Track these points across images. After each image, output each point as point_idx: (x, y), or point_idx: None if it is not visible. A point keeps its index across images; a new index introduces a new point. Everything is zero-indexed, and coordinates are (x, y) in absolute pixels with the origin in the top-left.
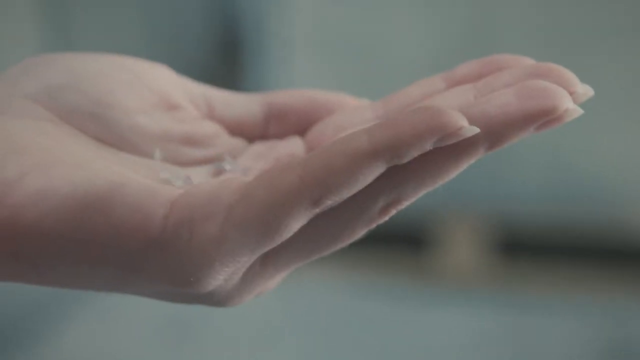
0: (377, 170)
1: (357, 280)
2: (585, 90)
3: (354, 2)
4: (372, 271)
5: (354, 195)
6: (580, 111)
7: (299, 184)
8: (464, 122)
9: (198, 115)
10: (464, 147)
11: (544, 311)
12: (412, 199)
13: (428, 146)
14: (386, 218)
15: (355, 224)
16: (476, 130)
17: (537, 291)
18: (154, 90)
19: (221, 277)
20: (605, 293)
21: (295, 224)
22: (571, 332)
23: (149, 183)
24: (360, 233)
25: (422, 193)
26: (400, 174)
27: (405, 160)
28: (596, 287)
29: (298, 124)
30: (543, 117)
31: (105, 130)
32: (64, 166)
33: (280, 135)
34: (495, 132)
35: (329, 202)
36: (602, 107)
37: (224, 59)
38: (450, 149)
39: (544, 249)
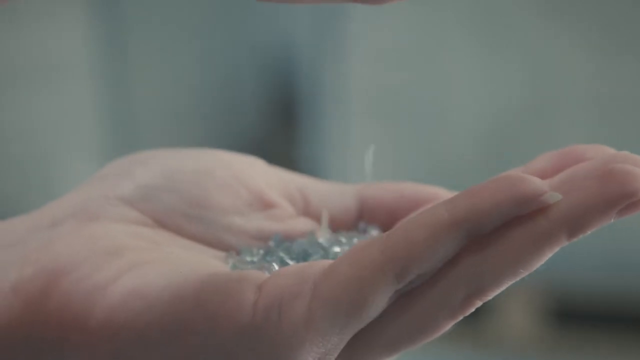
0: (457, 241)
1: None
2: None
3: (411, 60)
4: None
5: (436, 283)
6: None
7: (381, 257)
8: (544, 188)
9: (294, 212)
10: (543, 234)
11: None
12: (493, 291)
13: (509, 215)
14: (470, 310)
15: (438, 315)
16: (558, 197)
17: None
18: (250, 189)
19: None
20: None
21: (381, 299)
22: None
23: (237, 271)
24: (445, 326)
25: (503, 284)
26: (479, 262)
27: (487, 229)
28: None
29: (388, 218)
30: (625, 200)
31: (201, 231)
32: (157, 264)
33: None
34: (575, 217)
35: (412, 276)
36: None
37: (280, 119)
38: (530, 236)
39: (599, 318)
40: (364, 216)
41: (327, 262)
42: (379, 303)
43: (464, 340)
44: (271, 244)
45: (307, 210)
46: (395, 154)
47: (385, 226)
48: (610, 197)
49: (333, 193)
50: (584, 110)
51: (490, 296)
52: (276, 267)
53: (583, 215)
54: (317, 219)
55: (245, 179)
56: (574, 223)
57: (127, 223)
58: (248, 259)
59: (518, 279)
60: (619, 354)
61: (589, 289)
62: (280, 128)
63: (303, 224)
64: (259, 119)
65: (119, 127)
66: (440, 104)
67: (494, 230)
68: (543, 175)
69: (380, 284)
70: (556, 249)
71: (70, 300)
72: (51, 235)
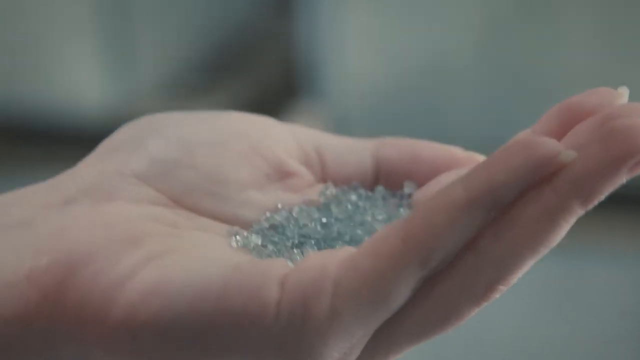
0: (478, 218)
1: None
2: None
3: None
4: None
5: (456, 272)
6: None
7: (403, 247)
8: (558, 147)
9: (311, 178)
10: (557, 207)
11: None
12: (516, 274)
13: (526, 181)
14: (494, 297)
15: (461, 303)
16: (574, 154)
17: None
18: (267, 158)
19: (337, 354)
20: None
21: (405, 289)
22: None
23: (259, 262)
24: (469, 314)
25: (525, 266)
26: (498, 248)
27: (506, 201)
28: None
29: (404, 178)
30: (631, 159)
31: (218, 208)
32: (179, 256)
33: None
34: (585, 186)
35: (436, 262)
36: None
37: (275, 11)
38: (543, 212)
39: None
40: (380, 176)
41: (349, 252)
42: (403, 293)
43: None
44: (279, 219)
45: (325, 175)
46: (392, 42)
47: (400, 186)
48: (616, 159)
49: (349, 151)
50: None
51: (513, 280)
52: (297, 255)
53: (592, 182)
54: (333, 179)
55: (261, 148)
56: (585, 191)
57: (144, 203)
58: (252, 241)
59: (540, 256)
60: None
61: None
62: (275, 19)
63: (319, 192)
64: (253, 10)
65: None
66: None
67: (506, 210)
68: (551, 137)
69: (403, 274)
70: (573, 221)
71: (89, 295)
72: (65, 218)
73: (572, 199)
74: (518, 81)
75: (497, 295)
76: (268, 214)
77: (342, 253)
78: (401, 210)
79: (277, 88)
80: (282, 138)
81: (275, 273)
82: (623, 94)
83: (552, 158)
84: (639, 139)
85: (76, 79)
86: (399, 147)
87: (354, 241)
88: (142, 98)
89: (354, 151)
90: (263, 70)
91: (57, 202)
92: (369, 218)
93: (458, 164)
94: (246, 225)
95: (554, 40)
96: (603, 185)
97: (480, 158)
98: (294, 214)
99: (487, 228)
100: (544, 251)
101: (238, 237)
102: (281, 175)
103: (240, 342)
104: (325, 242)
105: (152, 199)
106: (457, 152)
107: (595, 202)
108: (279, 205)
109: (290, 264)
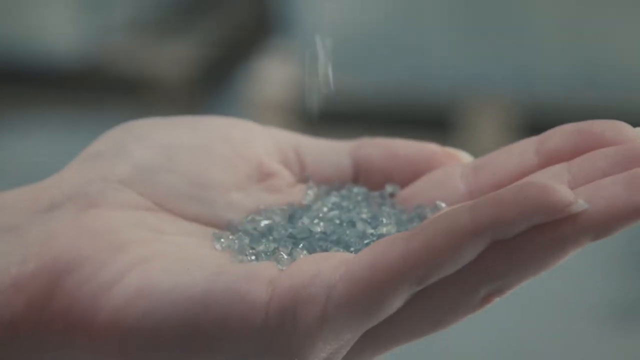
0: (480, 247)
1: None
2: None
3: None
4: None
5: (457, 282)
6: None
7: (402, 264)
8: (571, 197)
9: (291, 179)
10: (569, 239)
11: None
12: (514, 288)
13: (534, 223)
14: (488, 305)
15: (457, 312)
16: (585, 206)
17: None
18: (249, 160)
19: (324, 355)
20: None
21: (398, 303)
22: None
23: (246, 264)
24: (461, 319)
25: (524, 282)
26: (503, 263)
27: (510, 236)
28: None
29: (383, 178)
30: None
31: (201, 211)
32: (163, 260)
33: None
34: (602, 225)
35: (432, 281)
36: None
37: None
38: (555, 241)
39: None
40: (359, 176)
41: (343, 257)
42: (396, 305)
43: None
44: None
45: (304, 172)
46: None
47: (380, 186)
48: (638, 205)
49: (328, 152)
50: None
51: (510, 292)
52: (284, 256)
53: (610, 222)
54: (313, 180)
55: (243, 150)
56: (600, 230)
57: (128, 208)
58: (238, 244)
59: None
60: None
61: (558, 103)
62: None
63: (301, 192)
64: None
65: None
66: None
67: (515, 251)
68: (559, 156)
69: (399, 290)
70: (579, 250)
71: (76, 302)
72: (51, 225)
73: (586, 234)
74: (492, 17)
75: (491, 304)
76: (253, 217)
77: (336, 258)
78: (384, 208)
79: (250, 26)
80: (262, 140)
81: (263, 274)
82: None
83: (565, 207)
84: None
85: (47, 18)
86: (377, 147)
87: (341, 241)
88: (114, 37)
89: (333, 152)
90: (235, 9)
91: (43, 207)
92: (353, 217)
93: (437, 160)
94: (231, 227)
95: None
96: (619, 227)
97: (459, 154)
98: (278, 216)
99: (493, 246)
100: (543, 272)
101: (223, 240)
102: (262, 176)
103: (227, 343)
104: (311, 243)
105: (136, 204)
106: (435, 148)
107: (603, 238)
108: (262, 207)
109: (277, 266)
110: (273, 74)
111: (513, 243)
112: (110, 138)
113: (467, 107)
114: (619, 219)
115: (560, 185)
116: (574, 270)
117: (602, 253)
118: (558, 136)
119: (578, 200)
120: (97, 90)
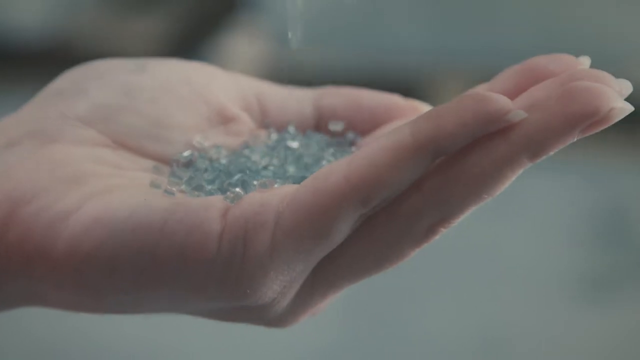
0: (423, 163)
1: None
2: (622, 88)
3: None
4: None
5: (401, 209)
6: (629, 108)
7: (345, 184)
8: (509, 105)
9: (253, 125)
10: (505, 157)
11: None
12: (457, 217)
13: (474, 135)
14: (434, 238)
15: (402, 243)
16: (523, 114)
17: None
18: (210, 103)
19: (277, 287)
20: (606, 156)
21: (345, 226)
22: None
23: (200, 198)
24: (409, 254)
25: (467, 210)
26: (443, 190)
27: (451, 150)
28: (597, 148)
29: (345, 127)
30: (586, 120)
31: (161, 150)
32: (121, 192)
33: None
34: (537, 140)
35: (377, 201)
36: None
37: None
38: (492, 160)
39: None
40: (321, 125)
41: (291, 189)
42: (343, 229)
43: None
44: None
45: (266, 118)
46: None
47: (341, 134)
48: (572, 118)
49: (290, 100)
50: None
51: (454, 223)
52: (239, 191)
53: (544, 137)
54: (274, 126)
55: (204, 93)
56: (535, 145)
57: (88, 145)
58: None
59: (483, 202)
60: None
61: None
62: None
63: (263, 138)
64: None
65: None
66: None
67: (456, 155)
68: (507, 95)
69: (344, 211)
70: (519, 172)
71: (32, 231)
72: (8, 159)
73: (522, 152)
74: None
75: (436, 237)
76: (207, 153)
77: (284, 189)
78: (344, 155)
79: (218, 1)
80: (225, 85)
81: (217, 206)
82: (585, 63)
83: (502, 115)
84: (597, 102)
85: None
86: (340, 96)
87: (291, 178)
88: (81, 13)
89: (295, 99)
90: None
91: (1, 144)
92: (309, 160)
93: (399, 112)
94: (182, 163)
95: None
96: (554, 142)
97: (422, 106)
98: (229, 154)
99: (435, 170)
100: (487, 198)
101: (176, 175)
102: (223, 119)
103: (183, 274)
104: (265, 182)
105: (96, 141)
106: (398, 100)
107: (543, 157)
108: (219, 146)
109: (228, 201)
110: (240, 49)
111: (453, 165)
112: (70, 77)
113: (433, 80)
114: (554, 134)
115: (498, 95)
116: (543, 246)
117: (571, 229)
118: (505, 76)
119: (516, 110)
120: (64, 66)
